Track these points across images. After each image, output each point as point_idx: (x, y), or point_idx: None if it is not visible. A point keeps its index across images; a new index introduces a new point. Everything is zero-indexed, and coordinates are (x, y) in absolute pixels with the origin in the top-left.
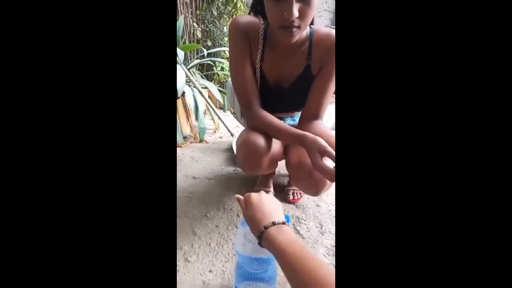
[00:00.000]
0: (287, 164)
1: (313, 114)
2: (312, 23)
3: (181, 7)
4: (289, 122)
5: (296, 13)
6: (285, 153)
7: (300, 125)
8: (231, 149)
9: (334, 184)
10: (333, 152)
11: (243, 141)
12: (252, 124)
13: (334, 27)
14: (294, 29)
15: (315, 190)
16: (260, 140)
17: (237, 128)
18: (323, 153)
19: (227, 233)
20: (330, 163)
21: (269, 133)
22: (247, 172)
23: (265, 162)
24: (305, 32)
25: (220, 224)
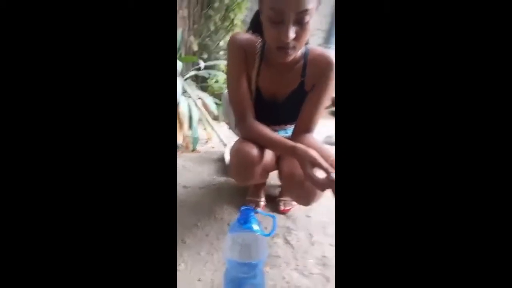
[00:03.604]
0: (279, 175)
1: (305, 127)
2: (307, 43)
3: (179, 21)
4: (282, 135)
5: (292, 35)
6: (277, 164)
7: (292, 137)
8: (222, 159)
9: (324, 194)
10: (324, 163)
11: (236, 151)
12: (246, 134)
13: (327, 45)
14: (290, 49)
15: (306, 200)
16: (253, 150)
17: (230, 138)
18: (314, 164)
19: (217, 242)
20: (321, 174)
21: (262, 144)
22: (239, 181)
23: (257, 172)
24: (301, 50)
25: (211, 233)
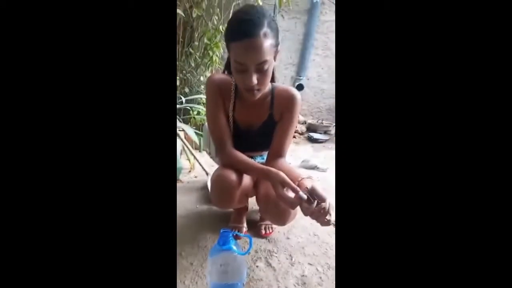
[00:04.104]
0: (256, 197)
1: (277, 153)
2: (273, 80)
3: None
4: (259, 160)
5: (255, 81)
6: (254, 188)
7: (266, 162)
8: (205, 187)
9: (298, 214)
10: (291, 184)
11: (217, 177)
12: (226, 161)
13: (299, 77)
14: (255, 91)
15: (281, 219)
16: (232, 176)
17: (212, 167)
18: (284, 184)
19: (201, 270)
20: (290, 194)
21: (240, 169)
22: (220, 206)
23: (237, 196)
24: (268, 88)
25: (195, 262)
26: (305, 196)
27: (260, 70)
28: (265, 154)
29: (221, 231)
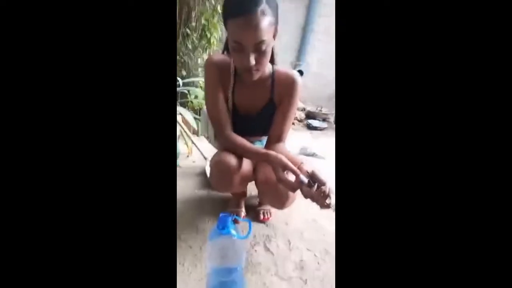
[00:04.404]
0: (255, 181)
1: (277, 138)
2: (273, 63)
3: None
4: (258, 145)
5: (252, 62)
6: (253, 172)
7: (266, 147)
8: (204, 173)
9: (297, 197)
10: (293, 167)
11: (216, 161)
12: (225, 145)
13: (298, 62)
14: (254, 71)
15: (281, 203)
16: (232, 160)
17: (211, 152)
18: (285, 167)
19: (200, 253)
20: (291, 177)
21: (240, 153)
22: (219, 189)
23: (236, 180)
24: (268, 71)
25: (194, 245)
26: (305, 180)
27: (258, 50)
28: (264, 139)
29: (220, 215)
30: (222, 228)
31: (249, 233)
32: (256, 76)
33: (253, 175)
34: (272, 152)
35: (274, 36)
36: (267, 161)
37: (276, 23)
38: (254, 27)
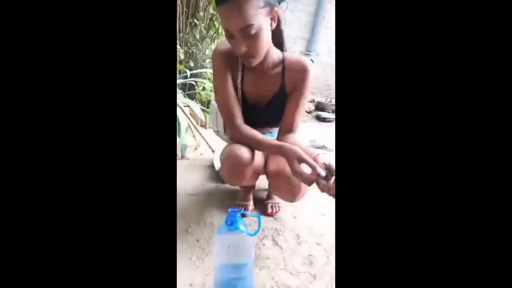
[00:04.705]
0: (266, 173)
1: (289, 128)
2: (283, 50)
3: None
4: (268, 137)
5: (243, 48)
6: (265, 164)
7: (278, 138)
8: (212, 166)
9: (308, 190)
10: (309, 159)
11: (228, 153)
12: (236, 137)
13: (308, 52)
14: (250, 58)
15: (292, 195)
16: (244, 152)
17: (219, 145)
18: (301, 160)
19: (207, 247)
20: (306, 169)
21: (252, 145)
22: (231, 182)
23: (249, 173)
24: (278, 57)
25: (201, 239)
26: (323, 172)
27: (247, 35)
28: (274, 131)
29: (229, 210)
30: (231, 224)
31: (258, 229)
32: (254, 62)
33: (264, 167)
34: (286, 144)
35: (273, 20)
36: (281, 153)
37: (271, 5)
38: (237, 11)
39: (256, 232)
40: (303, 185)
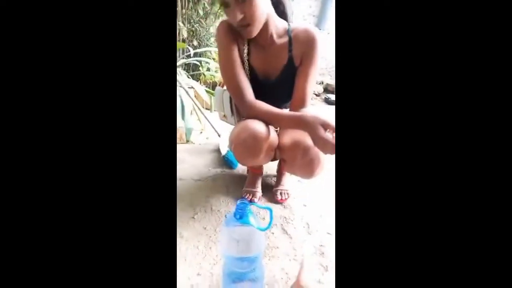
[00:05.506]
0: (281, 148)
1: (300, 102)
2: (287, 20)
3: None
4: None
5: (239, 16)
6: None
7: None
8: (218, 150)
9: (325, 166)
10: (332, 124)
11: (242, 129)
12: (249, 113)
13: (318, 29)
14: (247, 26)
15: (311, 170)
16: (260, 126)
17: (226, 129)
18: (326, 126)
19: (215, 235)
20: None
21: (267, 120)
22: (245, 161)
23: (265, 148)
24: (283, 27)
25: (208, 226)
26: None
27: (238, 1)
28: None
29: (238, 202)
30: (240, 217)
31: (270, 223)
32: (253, 32)
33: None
34: (306, 114)
35: None
36: (303, 123)
37: None
38: None
39: (267, 227)
40: (321, 157)
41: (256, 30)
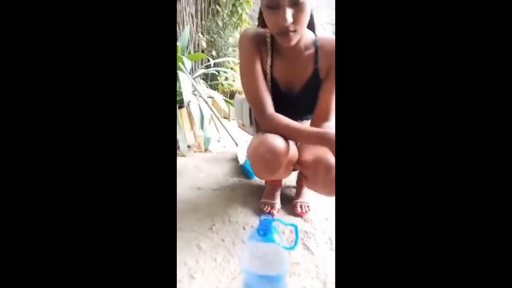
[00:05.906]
0: (302, 165)
1: (324, 116)
2: (314, 30)
3: (187, 18)
4: None
5: (290, 19)
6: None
7: (313, 126)
8: (235, 159)
9: None
10: None
11: (260, 143)
12: (268, 127)
13: (333, 23)
14: (291, 33)
15: (332, 188)
16: (279, 141)
17: (244, 138)
18: None
19: (233, 248)
20: None
21: (287, 134)
22: (263, 175)
23: (284, 163)
24: (310, 38)
25: (226, 238)
26: None
27: (295, 3)
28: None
29: (261, 218)
30: (264, 234)
31: (296, 241)
32: (294, 38)
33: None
34: (328, 131)
35: None
36: (323, 140)
37: None
38: None
39: (294, 246)
40: None
41: (298, 38)
